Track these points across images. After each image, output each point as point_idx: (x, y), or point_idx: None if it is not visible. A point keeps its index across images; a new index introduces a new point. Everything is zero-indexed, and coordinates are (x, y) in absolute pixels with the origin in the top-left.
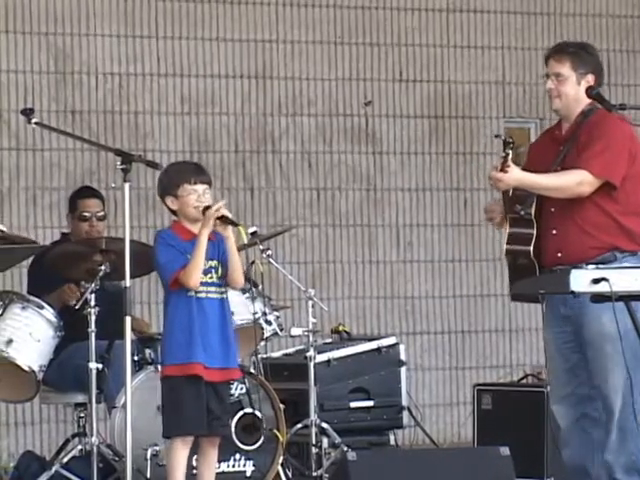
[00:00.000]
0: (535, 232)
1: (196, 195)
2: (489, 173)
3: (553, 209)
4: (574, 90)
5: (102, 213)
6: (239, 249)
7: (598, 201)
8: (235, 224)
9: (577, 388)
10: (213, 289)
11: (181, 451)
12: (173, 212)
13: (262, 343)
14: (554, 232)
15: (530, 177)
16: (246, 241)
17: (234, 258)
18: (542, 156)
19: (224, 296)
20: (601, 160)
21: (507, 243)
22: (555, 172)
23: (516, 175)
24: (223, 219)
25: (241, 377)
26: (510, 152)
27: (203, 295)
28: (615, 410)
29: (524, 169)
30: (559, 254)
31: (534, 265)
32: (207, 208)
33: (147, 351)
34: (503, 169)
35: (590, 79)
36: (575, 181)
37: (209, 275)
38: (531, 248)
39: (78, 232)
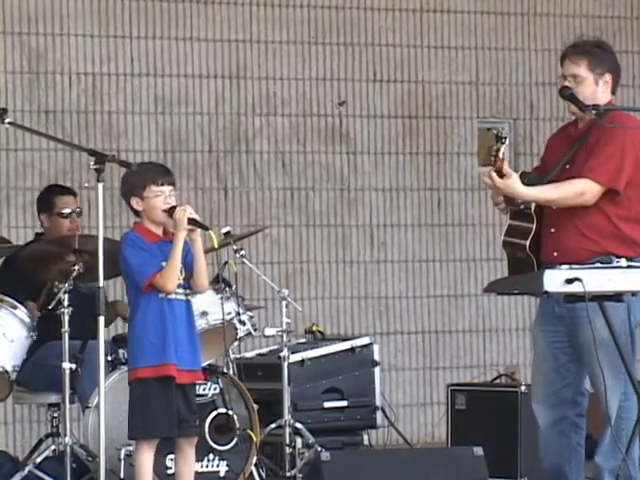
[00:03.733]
0: (534, 227)
1: (163, 197)
2: (487, 173)
3: (554, 207)
4: (591, 91)
5: (79, 209)
6: (207, 252)
7: (600, 204)
8: (205, 228)
9: (561, 390)
10: (180, 291)
11: (148, 452)
12: (136, 213)
13: (236, 343)
14: (552, 230)
15: (530, 192)
16: (216, 245)
17: (200, 262)
18: (555, 151)
19: (189, 298)
20: (606, 168)
21: (505, 234)
22: (563, 170)
23: (516, 189)
24: (192, 222)
25: (215, 377)
26: (502, 146)
27: (172, 297)
28: (612, 415)
29: (540, 161)
30: (555, 253)
31: (532, 260)
32: (172, 208)
33: (120, 351)
34: (495, 163)
35: (608, 79)
36: (576, 192)
37: None
38: (527, 243)
39: (58, 230)
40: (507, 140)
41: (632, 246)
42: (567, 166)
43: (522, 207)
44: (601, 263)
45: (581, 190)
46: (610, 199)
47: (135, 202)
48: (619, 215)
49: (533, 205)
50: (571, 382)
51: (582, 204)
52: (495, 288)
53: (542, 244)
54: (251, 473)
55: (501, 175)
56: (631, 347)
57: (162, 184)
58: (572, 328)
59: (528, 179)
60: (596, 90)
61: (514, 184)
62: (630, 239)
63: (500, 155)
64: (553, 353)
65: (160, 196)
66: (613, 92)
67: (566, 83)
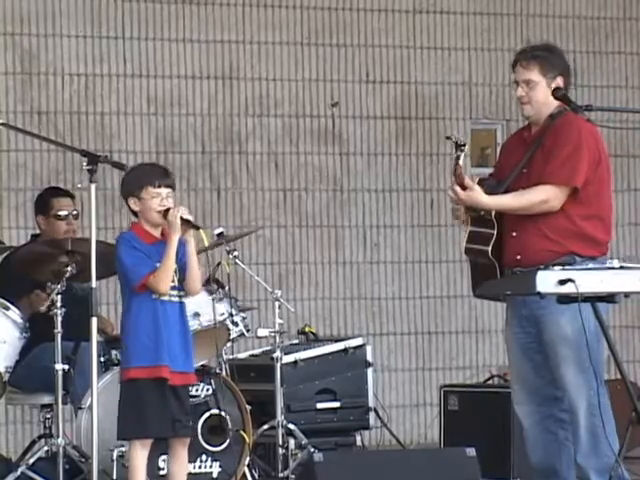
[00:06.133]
0: (495, 232)
1: (159, 199)
2: (450, 187)
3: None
4: (544, 94)
5: (76, 212)
6: (199, 252)
7: (563, 206)
8: (196, 227)
9: (541, 388)
10: (174, 293)
11: (142, 453)
12: (134, 213)
13: (228, 344)
14: (514, 234)
15: (494, 203)
16: (207, 244)
17: (193, 263)
18: (510, 156)
19: (183, 300)
20: (565, 169)
21: (467, 242)
22: (521, 174)
23: (481, 200)
24: (185, 222)
25: (207, 378)
26: (462, 154)
27: (166, 298)
28: (579, 412)
29: (495, 166)
30: (518, 256)
31: (494, 265)
32: (167, 211)
33: (113, 352)
34: (455, 171)
35: (559, 81)
36: (539, 200)
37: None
38: (489, 248)
39: (55, 232)
40: (466, 147)
41: (594, 245)
42: (524, 170)
43: (482, 213)
44: (564, 264)
45: (545, 197)
46: (571, 198)
47: (132, 202)
48: (580, 214)
49: (493, 211)
50: (549, 380)
51: (548, 210)
52: (487, 291)
53: (504, 248)
54: (244, 474)
55: (463, 188)
56: (596, 346)
57: (159, 186)
58: (537, 327)
59: (487, 186)
60: (548, 93)
61: (478, 196)
62: (592, 238)
63: (460, 162)
64: (528, 354)
65: (156, 198)
66: None
67: (519, 89)
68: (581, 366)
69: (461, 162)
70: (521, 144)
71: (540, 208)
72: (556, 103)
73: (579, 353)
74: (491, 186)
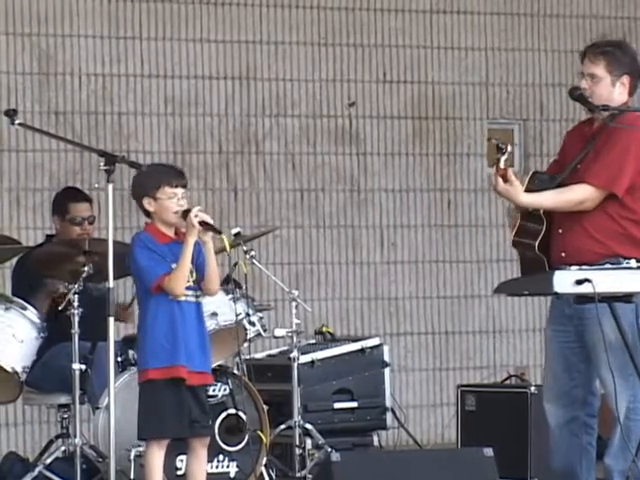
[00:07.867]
0: (544, 228)
1: (176, 199)
2: (494, 174)
3: None
4: (607, 92)
5: (93, 217)
6: (218, 252)
7: (607, 209)
8: (218, 232)
9: (572, 390)
10: (190, 293)
11: (158, 453)
12: (147, 214)
13: (245, 344)
14: (560, 231)
15: (530, 200)
16: (229, 250)
17: (211, 264)
18: (570, 149)
19: (200, 300)
20: (608, 173)
21: (515, 234)
22: (575, 170)
23: (517, 197)
24: (205, 225)
25: (225, 378)
26: (503, 157)
27: (183, 299)
28: (620, 416)
29: (557, 157)
30: (563, 254)
31: (541, 260)
32: (186, 212)
33: (130, 352)
34: (498, 172)
35: (625, 81)
36: (577, 201)
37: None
38: (536, 243)
39: (69, 235)
40: (508, 150)
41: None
42: (579, 166)
43: (531, 209)
44: (610, 264)
45: (582, 198)
46: (617, 202)
47: (147, 203)
48: (628, 218)
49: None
50: (581, 383)
51: (582, 210)
52: (505, 289)
53: (551, 244)
54: (261, 474)
55: (505, 180)
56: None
57: (176, 186)
58: (580, 329)
59: (539, 180)
60: (612, 91)
61: (515, 192)
62: (638, 240)
63: (501, 164)
64: (564, 354)
65: (173, 198)
66: (631, 94)
67: (583, 81)
68: (624, 370)
69: (501, 164)
70: (581, 138)
71: (575, 208)
72: (620, 101)
73: (623, 357)
74: (543, 180)
